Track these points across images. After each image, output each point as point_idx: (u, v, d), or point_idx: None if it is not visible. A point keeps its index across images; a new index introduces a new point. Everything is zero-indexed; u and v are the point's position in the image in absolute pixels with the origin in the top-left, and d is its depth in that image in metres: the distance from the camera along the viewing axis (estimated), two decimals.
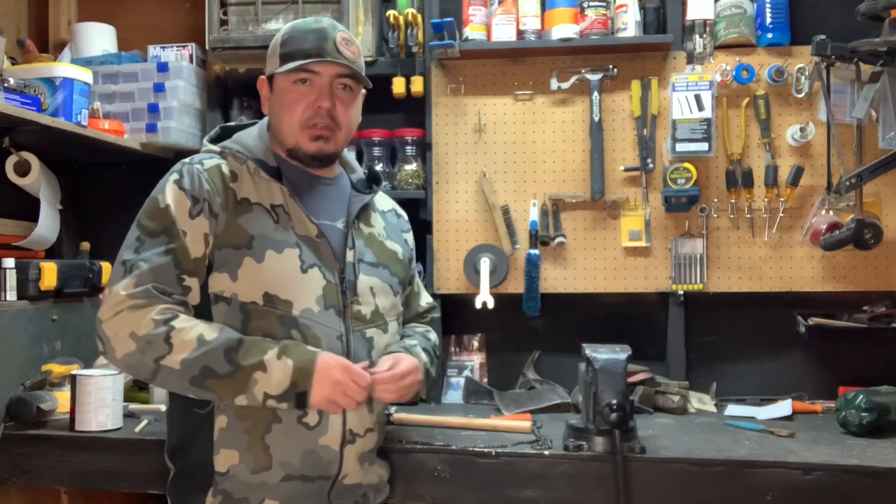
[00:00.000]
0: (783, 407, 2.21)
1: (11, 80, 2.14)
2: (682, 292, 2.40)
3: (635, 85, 2.41)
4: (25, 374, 2.09)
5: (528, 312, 2.44)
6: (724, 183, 2.39)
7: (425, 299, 1.98)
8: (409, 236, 1.91)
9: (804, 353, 2.43)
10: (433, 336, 1.91)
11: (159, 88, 2.52)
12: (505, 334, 2.56)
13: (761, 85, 2.38)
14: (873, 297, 2.36)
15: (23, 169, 2.38)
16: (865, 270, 2.36)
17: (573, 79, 2.44)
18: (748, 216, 2.39)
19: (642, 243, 2.42)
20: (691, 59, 2.36)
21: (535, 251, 2.43)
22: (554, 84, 2.45)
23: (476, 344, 2.56)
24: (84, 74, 2.32)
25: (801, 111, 2.37)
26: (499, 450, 1.83)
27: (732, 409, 2.25)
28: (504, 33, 2.41)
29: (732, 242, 2.40)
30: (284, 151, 1.69)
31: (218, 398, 1.53)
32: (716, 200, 2.40)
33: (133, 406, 2.17)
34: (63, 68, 2.28)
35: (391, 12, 2.42)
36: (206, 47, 2.50)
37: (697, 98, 2.30)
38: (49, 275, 2.19)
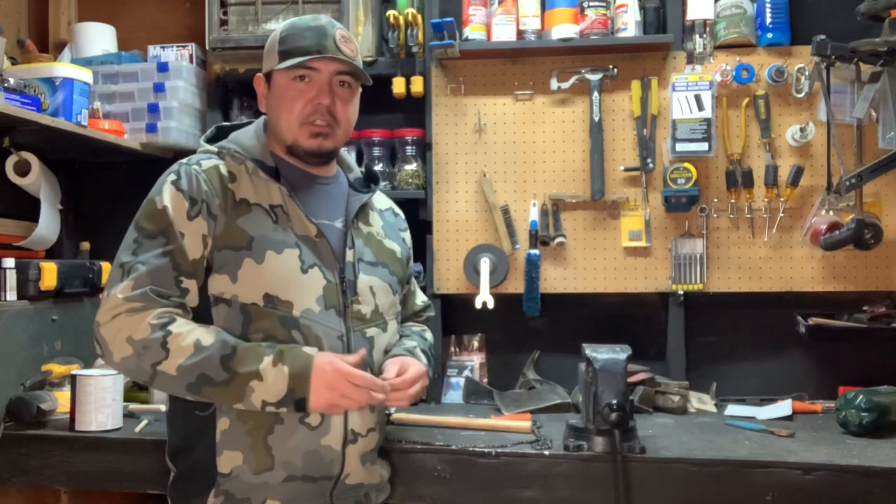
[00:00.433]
0: (783, 407, 2.20)
1: (11, 80, 2.14)
2: (682, 292, 2.40)
3: (635, 85, 2.41)
4: (25, 374, 2.09)
5: (528, 312, 2.44)
6: (724, 183, 2.39)
7: (420, 298, 1.99)
8: (407, 235, 1.91)
9: (804, 353, 2.43)
10: (429, 335, 1.91)
11: (159, 88, 2.52)
12: (505, 334, 2.56)
13: (761, 85, 2.38)
14: (873, 297, 2.36)
15: (23, 169, 2.38)
16: (865, 270, 2.36)
17: (573, 79, 2.44)
18: (748, 216, 2.39)
19: (642, 243, 2.42)
20: (691, 59, 2.36)
21: (535, 251, 2.43)
22: (554, 84, 2.45)
23: (476, 344, 2.56)
24: (84, 74, 2.32)
25: (801, 111, 2.38)
26: (499, 450, 1.83)
27: (732, 409, 2.25)
28: (504, 33, 2.41)
29: (732, 242, 2.40)
30: (283, 149, 1.69)
31: (216, 402, 1.54)
32: (716, 200, 2.40)
33: (133, 406, 2.17)
34: (63, 68, 2.28)
35: (391, 12, 2.42)
36: (206, 47, 2.50)
37: (697, 98, 2.30)
38: (49, 275, 2.19)
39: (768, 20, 2.36)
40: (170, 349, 1.46)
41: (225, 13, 2.46)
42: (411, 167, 2.51)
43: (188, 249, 1.54)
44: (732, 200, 2.39)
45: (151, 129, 2.51)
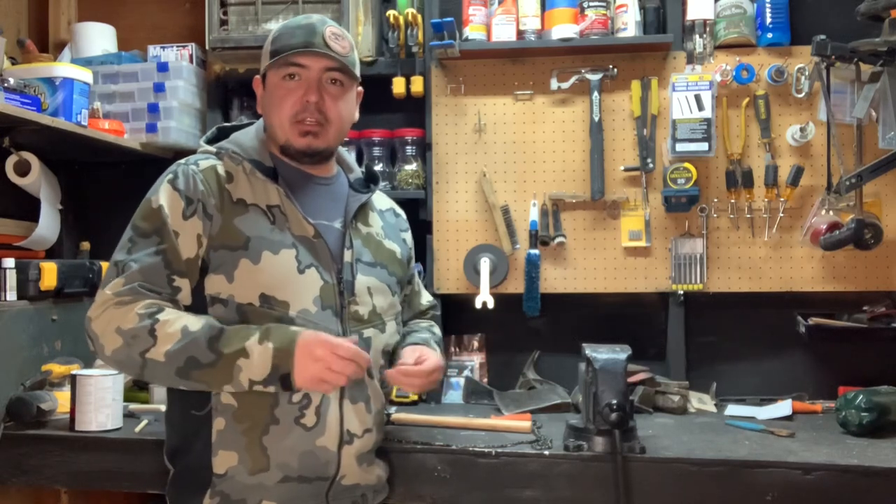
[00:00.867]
0: (783, 407, 2.20)
1: (11, 80, 2.14)
2: (682, 292, 2.40)
3: (635, 85, 2.41)
4: (25, 374, 2.09)
5: (528, 312, 2.44)
6: (724, 183, 2.39)
7: (426, 298, 1.98)
8: (408, 236, 1.91)
9: (804, 353, 2.43)
10: (437, 331, 1.92)
11: (159, 88, 2.52)
12: (505, 334, 2.56)
13: (761, 85, 2.38)
14: (873, 297, 2.35)
15: (23, 169, 2.37)
16: (865, 270, 2.36)
17: (573, 79, 2.44)
18: (748, 216, 2.39)
19: (642, 243, 2.42)
20: (691, 59, 2.36)
21: (535, 251, 2.43)
22: (554, 84, 2.45)
23: (476, 344, 2.56)
24: (84, 74, 2.32)
25: (801, 111, 2.38)
26: (499, 450, 1.83)
27: (732, 409, 2.25)
28: (504, 33, 2.41)
29: (732, 242, 2.40)
30: (278, 149, 1.69)
31: (207, 387, 1.53)
32: (716, 200, 2.40)
33: (133, 406, 2.17)
34: (63, 68, 2.28)
35: (391, 12, 2.42)
36: (206, 47, 2.50)
37: (697, 98, 2.30)
38: (49, 275, 2.19)
39: (768, 20, 2.36)
40: (157, 336, 1.46)
41: (225, 13, 2.46)
42: (411, 167, 2.51)
43: (182, 249, 1.54)
44: (732, 200, 2.39)
45: (151, 129, 2.51)
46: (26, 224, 2.44)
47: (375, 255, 1.73)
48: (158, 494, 1.80)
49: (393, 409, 2.11)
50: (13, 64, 2.39)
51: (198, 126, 2.63)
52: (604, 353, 1.82)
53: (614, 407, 1.73)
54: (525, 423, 2.02)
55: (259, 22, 2.45)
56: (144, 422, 2.04)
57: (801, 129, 2.34)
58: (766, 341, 2.45)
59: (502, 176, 2.48)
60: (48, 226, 2.43)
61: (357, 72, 1.69)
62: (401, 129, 2.55)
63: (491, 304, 2.39)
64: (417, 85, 2.45)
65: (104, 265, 2.41)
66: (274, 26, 1.74)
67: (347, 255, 1.66)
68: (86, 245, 2.63)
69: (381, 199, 1.88)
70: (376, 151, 2.53)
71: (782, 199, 2.36)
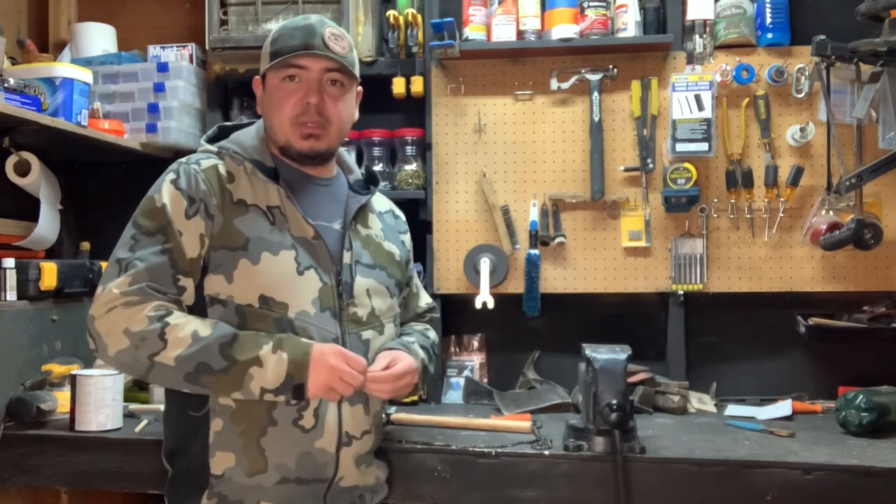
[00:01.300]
0: (783, 407, 2.20)
1: (11, 80, 2.14)
2: (682, 292, 2.40)
3: (635, 85, 2.41)
4: (25, 374, 2.09)
5: (528, 312, 2.44)
6: (724, 183, 2.39)
7: (424, 300, 1.98)
8: (407, 237, 1.91)
9: (804, 353, 2.43)
10: (432, 334, 1.90)
11: (159, 88, 2.52)
12: (505, 334, 2.56)
13: (761, 85, 2.38)
14: (873, 297, 2.36)
15: (23, 169, 2.37)
16: (865, 270, 2.36)
17: (573, 79, 2.44)
18: (748, 216, 2.39)
19: (642, 243, 2.42)
20: (691, 59, 2.36)
21: (535, 251, 2.43)
22: (554, 84, 2.45)
23: (476, 344, 2.56)
24: (84, 74, 2.32)
25: (801, 111, 2.38)
26: (499, 450, 1.83)
27: (732, 409, 2.25)
28: (504, 33, 2.41)
29: (732, 242, 2.40)
30: (279, 150, 1.69)
31: (213, 393, 1.53)
32: (716, 200, 2.40)
33: (133, 406, 2.17)
34: (63, 68, 2.28)
35: (391, 12, 2.42)
36: (206, 47, 2.50)
37: (697, 98, 2.30)
38: (49, 275, 2.19)
39: (768, 20, 2.36)
40: (168, 340, 1.46)
41: (225, 13, 2.46)
42: (411, 167, 2.51)
43: (186, 248, 1.54)
44: (732, 200, 2.39)
45: (151, 129, 2.51)
46: (26, 224, 2.44)
47: (375, 256, 1.73)
48: (158, 494, 1.80)
49: (393, 410, 2.11)
50: (13, 64, 2.39)
51: (198, 126, 2.63)
52: (604, 353, 1.82)
53: (614, 407, 1.73)
54: (525, 423, 2.02)
55: (259, 22, 2.45)
56: (144, 422, 2.04)
57: (801, 130, 2.34)
58: (766, 341, 2.45)
59: (502, 176, 2.48)
60: (48, 226, 2.43)
61: (356, 72, 1.69)
62: (401, 129, 2.55)
63: (491, 304, 2.39)
64: (417, 85, 2.45)
65: (104, 265, 2.40)
66: (274, 26, 1.74)
67: (347, 257, 1.66)
68: (86, 245, 2.63)
69: (380, 201, 1.88)
70: (376, 151, 2.53)
71: (782, 200, 2.36)
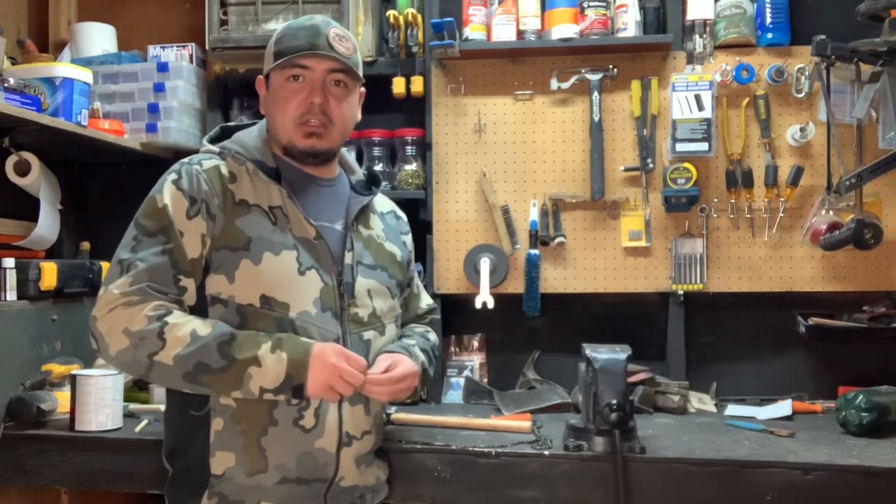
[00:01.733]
0: (783, 407, 2.20)
1: (11, 80, 2.14)
2: (682, 292, 2.40)
3: (635, 85, 2.41)
4: (25, 374, 2.09)
5: (528, 312, 2.44)
6: (724, 183, 2.39)
7: (425, 301, 1.98)
8: (408, 238, 1.91)
9: (804, 353, 2.43)
10: (433, 336, 1.90)
11: (159, 88, 2.52)
12: (505, 334, 2.56)
13: (761, 85, 2.38)
14: (873, 297, 2.36)
15: (23, 169, 2.37)
16: (865, 270, 2.36)
17: (573, 79, 2.44)
18: (748, 216, 2.39)
19: (642, 243, 2.42)
20: (691, 59, 2.36)
21: (535, 251, 2.43)
22: (554, 84, 2.45)
23: (476, 344, 2.56)
24: (84, 74, 2.32)
25: (801, 111, 2.38)
26: (499, 450, 1.83)
27: (732, 409, 2.25)
28: (504, 33, 2.41)
29: (732, 242, 2.40)
30: (281, 150, 1.69)
31: (213, 393, 1.53)
32: (716, 200, 2.40)
33: (133, 406, 2.17)
34: (63, 68, 2.28)
35: (391, 12, 2.42)
36: (206, 47, 2.49)
37: (697, 98, 2.30)
38: (49, 275, 2.19)
39: (768, 20, 2.36)
40: (167, 339, 1.46)
41: (225, 13, 2.46)
42: (411, 167, 2.51)
43: (187, 248, 1.54)
44: (732, 200, 2.39)
45: (151, 129, 2.51)
46: (26, 224, 2.44)
47: (376, 257, 1.73)
48: (158, 494, 1.80)
49: (393, 409, 2.11)
50: (13, 64, 2.39)
51: (198, 126, 2.63)
52: (604, 353, 1.82)
53: (614, 407, 1.73)
54: (525, 423, 2.02)
55: (259, 22, 2.45)
56: (144, 422, 2.04)
57: (801, 129, 2.34)
58: (766, 341, 2.45)
59: (502, 176, 2.48)
60: (48, 226, 2.43)
61: (360, 72, 1.69)
62: (401, 129, 2.55)
63: (491, 304, 2.39)
64: (417, 85, 2.45)
65: (104, 265, 2.41)
66: (274, 26, 1.75)
67: (348, 258, 1.66)
68: (86, 245, 2.63)
69: (382, 202, 1.88)
70: (376, 151, 2.53)
71: (782, 199, 2.36)
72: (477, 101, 2.48)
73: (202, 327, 1.49)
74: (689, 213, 2.40)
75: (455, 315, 2.52)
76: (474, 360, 2.54)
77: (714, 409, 2.29)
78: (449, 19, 2.34)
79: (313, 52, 1.61)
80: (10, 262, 2.11)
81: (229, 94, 2.64)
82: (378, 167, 2.49)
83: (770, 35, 2.37)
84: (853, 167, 2.20)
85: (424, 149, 2.50)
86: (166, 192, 1.57)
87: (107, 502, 2.31)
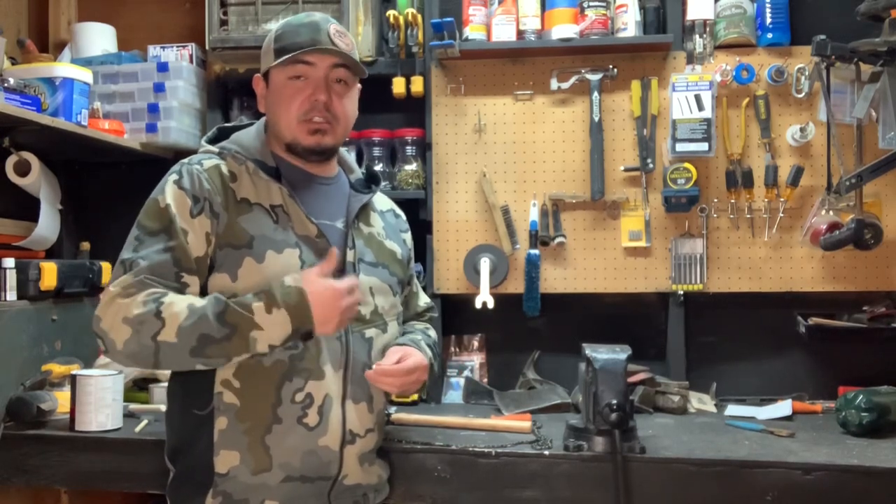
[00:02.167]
0: (783, 407, 2.20)
1: (11, 80, 2.14)
2: (682, 292, 2.40)
3: (635, 85, 2.41)
4: (25, 374, 2.09)
5: (528, 312, 2.44)
6: (724, 183, 2.39)
7: (423, 300, 1.98)
8: (408, 236, 1.91)
9: (804, 353, 2.43)
10: (433, 333, 1.91)
11: (159, 88, 2.52)
12: (505, 334, 2.56)
13: (761, 85, 2.38)
14: (873, 297, 2.36)
15: (23, 169, 2.37)
16: (865, 270, 2.36)
17: (573, 79, 2.44)
18: (748, 216, 2.39)
19: (642, 243, 2.42)
20: (691, 59, 2.36)
21: (535, 251, 2.43)
22: (554, 84, 2.45)
23: (476, 344, 2.56)
24: (84, 74, 2.32)
25: (801, 111, 2.38)
26: (499, 450, 1.83)
27: (732, 409, 2.25)
28: (504, 33, 2.41)
29: (732, 242, 2.40)
30: (282, 148, 1.69)
31: (225, 360, 1.51)
32: (716, 200, 2.40)
33: (133, 406, 2.17)
34: (63, 68, 2.28)
35: (391, 12, 2.42)
36: (206, 47, 2.50)
37: (697, 98, 2.30)
38: (49, 275, 2.19)
39: (768, 20, 2.36)
40: (165, 317, 1.46)
41: (225, 13, 2.46)
42: (411, 167, 2.51)
43: (192, 247, 1.54)
44: (732, 200, 2.39)
45: (151, 129, 2.51)
46: (26, 224, 2.44)
47: (377, 255, 1.73)
48: (158, 494, 1.80)
49: (393, 409, 2.11)
50: (13, 64, 2.39)
51: (198, 126, 2.63)
52: (604, 353, 1.82)
53: (614, 407, 1.73)
54: (525, 423, 2.02)
55: (259, 22, 2.45)
56: (144, 422, 2.04)
57: (801, 129, 2.34)
58: (766, 341, 2.45)
59: (502, 176, 2.48)
60: (48, 226, 2.43)
61: (360, 65, 1.69)
62: (401, 129, 2.55)
63: (491, 304, 2.39)
64: (417, 85, 2.45)
65: (104, 265, 2.41)
66: (274, 26, 1.74)
67: (350, 256, 1.66)
68: (86, 245, 2.63)
69: (381, 200, 1.89)
70: (376, 151, 2.53)
71: (782, 199, 2.36)
72: (477, 101, 2.48)
73: (198, 301, 1.49)
74: (689, 213, 2.40)
75: (455, 315, 2.52)
76: (474, 360, 2.54)
77: (714, 409, 2.29)
78: (449, 19, 2.34)
79: (316, 47, 1.61)
80: (10, 262, 2.12)
81: (229, 94, 2.64)
82: (378, 167, 2.49)
83: (770, 35, 2.37)
84: (853, 167, 2.20)
85: (424, 149, 2.50)
86: (168, 192, 1.57)
87: (107, 502, 2.31)
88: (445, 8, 2.48)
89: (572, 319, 2.52)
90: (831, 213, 2.31)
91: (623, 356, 1.81)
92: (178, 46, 2.63)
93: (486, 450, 1.83)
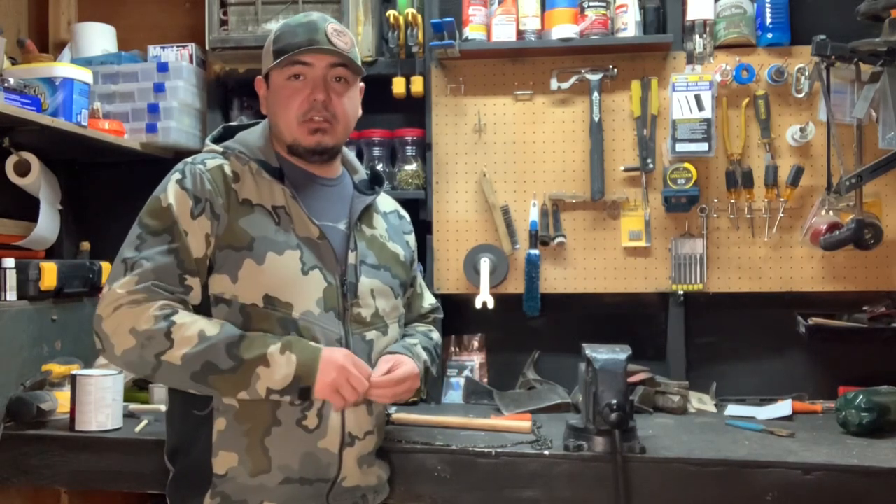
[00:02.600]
0: (783, 407, 2.20)
1: (11, 80, 2.14)
2: (682, 292, 2.40)
3: (635, 85, 2.41)
4: (25, 374, 2.09)
5: (528, 312, 2.44)
6: (724, 183, 2.39)
7: (428, 300, 1.98)
8: (411, 238, 1.90)
9: (804, 353, 2.43)
10: (435, 335, 1.90)
11: (159, 88, 2.52)
12: (505, 334, 2.56)
13: (761, 85, 2.38)
14: (873, 297, 2.35)
15: (23, 169, 2.37)
16: (865, 270, 2.36)
17: (573, 79, 2.44)
18: (748, 216, 2.39)
19: (642, 243, 2.42)
20: (691, 59, 2.36)
21: (535, 251, 2.43)
22: (554, 84, 2.45)
23: (476, 344, 2.56)
24: (84, 74, 2.32)
25: (801, 111, 2.38)
26: (499, 450, 1.83)
27: (732, 409, 2.25)
28: (504, 33, 2.41)
29: (732, 242, 2.40)
30: (285, 149, 1.69)
31: (219, 394, 1.53)
32: (716, 200, 2.40)
33: (133, 406, 2.17)
34: (63, 68, 2.28)
35: (391, 12, 2.42)
36: (206, 47, 2.49)
37: (697, 98, 2.30)
38: (49, 275, 2.19)
39: (768, 20, 2.36)
40: (174, 339, 1.46)
41: (225, 13, 2.46)
42: (411, 167, 2.51)
43: (192, 248, 1.54)
44: (732, 200, 2.39)
45: (151, 129, 2.51)
46: (26, 224, 2.44)
47: (379, 257, 1.73)
48: (158, 494, 1.80)
49: (393, 409, 2.11)
50: (13, 64, 2.39)
51: (198, 126, 2.63)
52: (604, 353, 1.82)
53: (614, 407, 1.73)
54: (525, 423, 2.02)
55: (259, 22, 2.45)
56: (144, 422, 2.04)
57: (801, 129, 2.34)
58: (766, 341, 2.45)
59: (502, 176, 2.48)
60: (47, 226, 2.43)
61: (359, 65, 1.69)
62: (401, 129, 2.55)
63: (491, 304, 2.39)
64: (417, 85, 2.45)
65: (104, 265, 2.41)
66: (274, 26, 1.74)
67: (352, 257, 1.66)
68: (86, 245, 2.63)
69: (385, 201, 1.88)
70: (376, 151, 2.53)
71: (782, 199, 2.36)
72: (477, 101, 2.48)
73: (210, 328, 1.49)
74: (689, 213, 2.40)
75: (455, 315, 2.52)
76: (474, 360, 2.54)
77: (714, 409, 2.29)
78: (449, 19, 2.34)
79: (313, 47, 1.61)
80: (10, 262, 2.12)
81: (229, 94, 2.64)
82: (378, 167, 2.49)
83: (770, 35, 2.37)
84: (853, 167, 2.20)
85: (424, 149, 2.50)
86: (170, 191, 1.57)
87: (107, 502, 2.31)
88: (445, 8, 2.48)
89: (572, 319, 2.52)
90: (831, 213, 2.31)
91: (623, 356, 1.81)
92: (178, 46, 2.63)
93: (486, 450, 1.83)
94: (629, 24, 2.36)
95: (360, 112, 1.76)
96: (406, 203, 2.16)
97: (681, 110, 2.31)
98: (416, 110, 2.53)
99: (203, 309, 1.57)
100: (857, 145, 2.25)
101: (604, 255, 2.44)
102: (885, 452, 1.81)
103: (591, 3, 2.37)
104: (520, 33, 2.43)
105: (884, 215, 2.33)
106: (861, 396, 1.97)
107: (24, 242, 2.39)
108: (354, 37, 2.37)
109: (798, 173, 2.33)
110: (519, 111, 2.47)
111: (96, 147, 2.43)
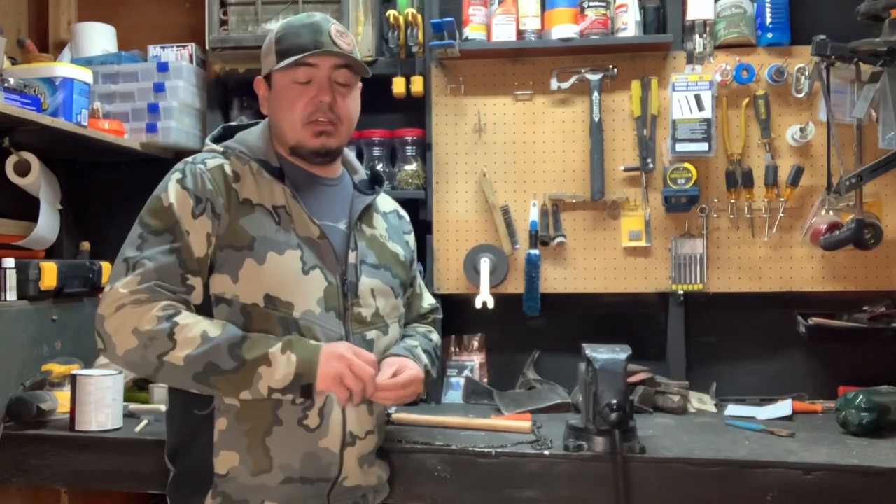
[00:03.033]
0: (783, 407, 2.20)
1: (11, 80, 2.14)
2: (682, 292, 2.40)
3: (635, 85, 2.41)
4: (25, 374, 2.09)
5: (528, 312, 2.44)
6: (724, 183, 2.39)
7: (427, 301, 1.98)
8: (411, 238, 1.91)
9: (804, 353, 2.43)
10: (435, 337, 1.90)
11: (159, 88, 2.52)
12: (505, 334, 2.56)
13: (761, 85, 2.38)
14: (873, 297, 2.35)
15: (23, 169, 2.37)
16: (865, 270, 2.36)
17: (573, 79, 2.44)
18: (748, 216, 2.39)
19: (642, 243, 2.42)
20: (691, 59, 2.36)
21: (535, 251, 2.43)
22: (554, 84, 2.45)
23: (476, 344, 2.56)
24: (84, 74, 2.32)
25: (801, 111, 2.38)
26: (499, 450, 1.83)
27: (732, 409, 2.25)
28: (504, 33, 2.41)
29: (732, 242, 2.40)
30: (287, 150, 1.69)
31: (220, 394, 1.53)
32: (716, 200, 2.40)
33: (133, 406, 2.17)
34: (63, 68, 2.28)
35: (391, 12, 2.42)
36: (206, 47, 2.49)
37: (697, 98, 2.30)
38: (49, 275, 2.19)
39: (768, 20, 2.36)
40: (177, 340, 1.46)
41: (225, 13, 2.46)
42: (411, 167, 2.51)
43: (194, 247, 1.54)
44: (732, 200, 2.39)
45: (151, 129, 2.51)
46: (26, 224, 2.44)
47: (379, 257, 1.73)
48: (159, 494, 1.80)
49: (393, 409, 2.11)
50: (13, 64, 2.39)
51: (198, 126, 2.63)
52: (604, 353, 1.82)
53: (614, 407, 1.73)
54: (525, 423, 2.02)
55: (259, 22, 2.45)
56: (144, 422, 2.04)
57: (801, 129, 2.34)
58: (766, 341, 2.45)
59: (502, 176, 2.48)
60: (47, 226, 2.43)
61: (363, 64, 1.69)
62: (401, 129, 2.55)
63: (491, 304, 2.39)
64: (417, 85, 2.45)
65: (104, 265, 2.41)
66: (274, 26, 1.74)
67: (352, 257, 1.66)
68: (86, 245, 2.63)
69: (385, 201, 1.88)
70: (376, 151, 2.53)
71: (782, 199, 2.36)
72: (477, 101, 2.48)
73: (212, 328, 1.49)
74: (689, 213, 2.40)
75: (455, 315, 2.52)
76: (474, 360, 2.54)
77: (714, 409, 2.29)
78: (449, 19, 2.34)
79: (320, 49, 1.61)
80: (10, 262, 2.12)
81: (229, 94, 2.64)
82: (378, 167, 2.48)
83: (770, 35, 2.37)
84: (853, 167, 2.20)
85: (424, 149, 2.50)
86: (171, 190, 1.57)
87: (107, 502, 2.31)
88: (445, 8, 2.48)
89: (572, 319, 2.52)
90: (831, 212, 2.31)
91: (623, 356, 1.81)
92: (178, 46, 2.63)
93: (486, 450, 1.83)
94: (629, 23, 2.36)
95: (359, 112, 1.76)
96: (406, 203, 2.16)
97: (681, 110, 2.31)
98: (416, 110, 2.53)
99: (204, 309, 1.57)
100: (857, 145, 2.25)
101: (604, 255, 2.44)
102: (885, 452, 1.81)
103: (591, 3, 2.37)
104: (520, 33, 2.43)
105: (884, 215, 2.33)
106: (861, 396, 1.97)
107: (24, 242, 2.40)
108: (354, 37, 2.38)
109: (798, 173, 2.33)
110: (519, 111, 2.47)
111: (96, 147, 2.43)
